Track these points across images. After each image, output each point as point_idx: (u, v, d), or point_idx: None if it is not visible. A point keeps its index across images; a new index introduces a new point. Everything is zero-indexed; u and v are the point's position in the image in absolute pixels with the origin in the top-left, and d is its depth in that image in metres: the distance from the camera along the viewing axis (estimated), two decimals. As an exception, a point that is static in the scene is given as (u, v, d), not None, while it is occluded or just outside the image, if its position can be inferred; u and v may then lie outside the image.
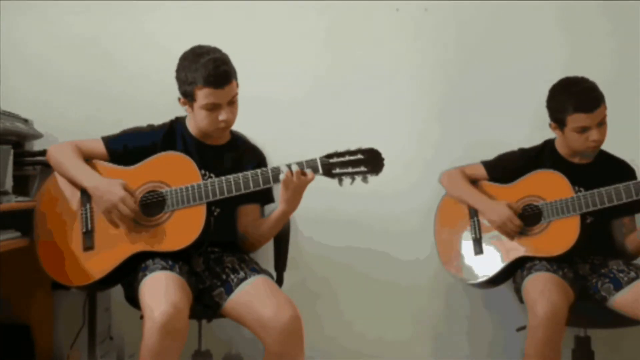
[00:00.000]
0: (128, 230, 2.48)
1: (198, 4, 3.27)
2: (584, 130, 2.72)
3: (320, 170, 2.43)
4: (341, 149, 2.45)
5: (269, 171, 2.46)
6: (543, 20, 3.29)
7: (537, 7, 3.28)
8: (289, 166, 2.43)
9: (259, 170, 2.47)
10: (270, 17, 3.28)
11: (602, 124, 2.73)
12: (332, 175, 2.43)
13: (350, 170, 2.42)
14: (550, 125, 2.82)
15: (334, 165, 2.43)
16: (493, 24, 3.31)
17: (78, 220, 2.53)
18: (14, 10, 3.24)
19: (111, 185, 2.47)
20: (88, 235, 2.51)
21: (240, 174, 2.47)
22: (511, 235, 2.79)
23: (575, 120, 2.71)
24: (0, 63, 3.18)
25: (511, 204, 2.80)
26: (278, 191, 2.51)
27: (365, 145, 2.45)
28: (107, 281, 2.53)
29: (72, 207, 2.55)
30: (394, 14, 3.30)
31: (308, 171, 2.41)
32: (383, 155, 2.43)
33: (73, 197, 2.56)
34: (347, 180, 2.43)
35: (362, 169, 2.42)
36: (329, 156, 2.44)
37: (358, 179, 2.43)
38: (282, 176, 2.42)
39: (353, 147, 2.44)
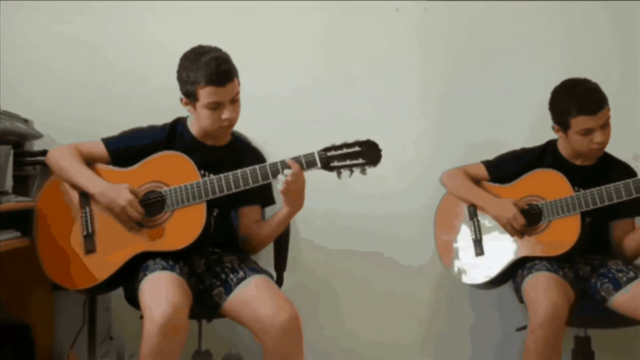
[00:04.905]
0: (129, 231, 2.48)
1: (198, 4, 3.27)
2: (588, 132, 2.71)
3: (319, 164, 2.43)
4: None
5: (267, 167, 2.46)
6: (544, 20, 3.29)
7: (538, 7, 3.28)
8: (284, 165, 2.43)
9: (257, 167, 2.47)
10: (271, 18, 3.28)
11: (605, 125, 2.72)
12: (330, 169, 2.43)
13: (348, 162, 2.42)
14: (553, 127, 2.81)
15: (332, 159, 2.43)
16: (493, 23, 3.31)
17: (78, 223, 2.53)
18: (14, 10, 3.25)
19: (118, 190, 2.47)
20: (89, 238, 2.51)
21: (239, 171, 2.47)
22: (516, 233, 2.78)
23: (579, 122, 2.70)
24: (0, 63, 3.18)
25: (516, 201, 2.80)
26: (277, 192, 2.51)
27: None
28: (110, 284, 2.52)
29: (71, 209, 2.55)
30: (394, 14, 3.30)
31: (289, 161, 2.40)
32: (380, 147, 2.43)
33: (72, 199, 2.56)
34: (345, 173, 2.43)
35: (360, 161, 2.42)
36: (327, 149, 2.44)
37: (356, 171, 2.43)
38: (279, 186, 2.41)
39: (350, 140, 2.45)
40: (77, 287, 2.52)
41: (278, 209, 2.58)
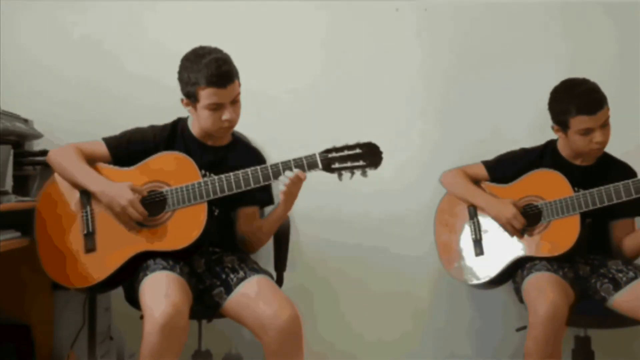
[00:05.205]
0: (130, 230, 2.48)
1: (199, 4, 3.27)
2: (587, 132, 2.71)
3: (320, 166, 2.44)
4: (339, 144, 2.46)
5: (269, 168, 2.47)
6: (544, 20, 3.30)
7: (538, 7, 3.28)
8: (285, 167, 2.43)
9: (258, 167, 2.47)
10: (271, 18, 3.28)
11: (605, 125, 2.72)
12: (331, 170, 2.45)
13: (349, 164, 2.44)
14: (552, 127, 2.81)
15: (333, 160, 2.44)
16: (493, 23, 3.31)
17: (78, 222, 2.53)
18: (14, 10, 3.25)
19: (119, 188, 2.47)
20: (89, 237, 2.51)
21: (240, 172, 2.47)
22: (515, 232, 2.79)
23: (579, 122, 2.70)
24: (0, 63, 3.18)
25: (515, 201, 2.80)
26: (276, 191, 2.52)
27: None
28: (110, 283, 2.53)
29: (72, 208, 2.55)
30: (393, 13, 3.30)
31: (297, 171, 2.42)
32: (381, 149, 2.44)
33: (72, 198, 2.56)
34: (346, 175, 2.45)
35: (361, 163, 2.44)
36: (328, 151, 2.45)
37: (357, 173, 2.44)
38: (280, 187, 2.43)
39: (351, 142, 2.45)
40: (77, 286, 2.52)
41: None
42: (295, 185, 2.44)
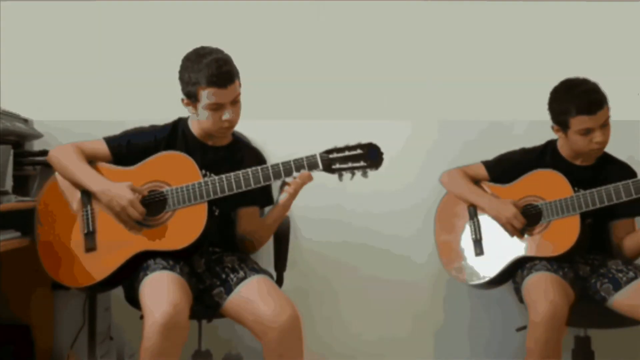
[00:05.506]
0: (130, 230, 2.49)
1: (199, 4, 3.27)
2: (587, 132, 2.71)
3: (320, 166, 2.45)
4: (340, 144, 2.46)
5: (269, 168, 2.47)
6: (544, 20, 3.30)
7: (539, 7, 3.28)
8: (285, 167, 2.43)
9: (258, 168, 2.48)
10: (271, 19, 3.29)
11: (605, 125, 2.72)
12: (332, 171, 2.45)
13: (350, 165, 2.44)
14: (552, 127, 2.81)
15: (334, 161, 2.44)
16: (493, 23, 3.31)
17: (78, 222, 2.53)
18: (14, 10, 3.25)
19: (119, 188, 2.47)
20: (90, 236, 2.51)
21: (241, 172, 2.48)
22: (516, 232, 2.79)
23: (579, 122, 2.70)
24: (0, 63, 3.18)
25: (516, 201, 2.80)
26: (276, 191, 2.52)
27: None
28: (110, 282, 2.53)
29: (72, 208, 2.55)
30: (393, 13, 3.30)
31: (306, 172, 2.44)
32: (382, 150, 2.44)
33: (73, 198, 2.56)
34: (347, 176, 2.45)
35: (362, 163, 2.44)
36: (329, 152, 2.46)
37: (358, 173, 2.45)
38: (287, 187, 2.45)
39: (352, 143, 2.46)
40: (77, 286, 2.52)
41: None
42: (301, 186, 2.45)
